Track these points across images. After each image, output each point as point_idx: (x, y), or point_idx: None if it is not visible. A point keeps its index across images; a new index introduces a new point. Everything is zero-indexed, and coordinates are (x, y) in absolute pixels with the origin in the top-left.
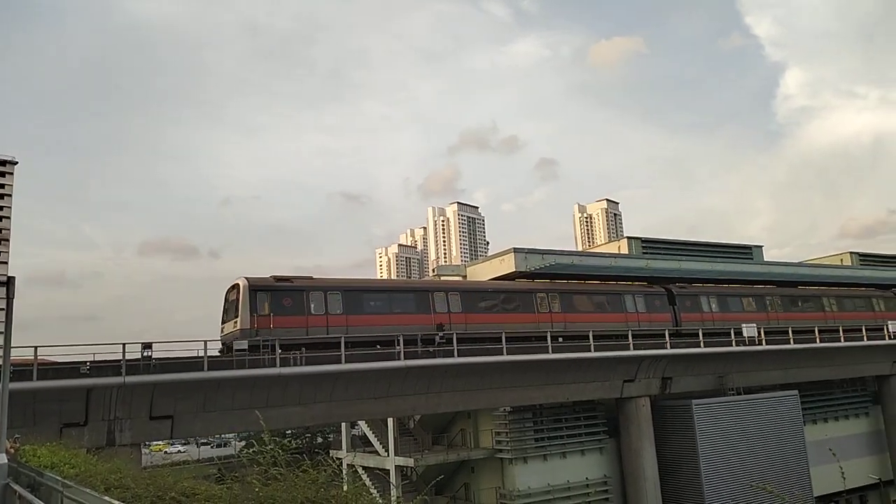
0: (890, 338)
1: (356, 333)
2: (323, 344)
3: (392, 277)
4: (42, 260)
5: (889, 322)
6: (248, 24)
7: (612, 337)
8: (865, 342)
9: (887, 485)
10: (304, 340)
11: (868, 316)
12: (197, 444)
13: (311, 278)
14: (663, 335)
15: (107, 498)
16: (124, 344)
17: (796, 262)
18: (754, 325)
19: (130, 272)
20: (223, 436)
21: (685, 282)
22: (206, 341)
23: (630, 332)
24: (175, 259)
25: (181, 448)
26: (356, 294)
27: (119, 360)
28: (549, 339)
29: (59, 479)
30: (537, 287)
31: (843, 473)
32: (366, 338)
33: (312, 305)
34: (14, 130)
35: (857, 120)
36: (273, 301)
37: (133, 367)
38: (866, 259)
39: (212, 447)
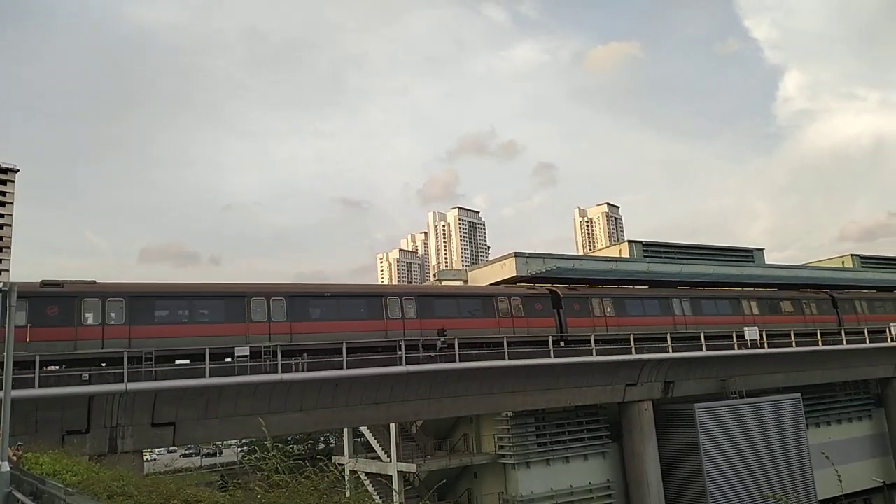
0: (892, 340)
1: (142, 347)
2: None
3: (392, 283)
4: (44, 268)
5: (891, 325)
6: (249, 29)
7: (615, 341)
8: (868, 345)
9: (891, 488)
10: (67, 357)
11: (798, 320)
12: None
13: (92, 283)
14: (665, 339)
15: None
16: (126, 351)
17: (798, 264)
18: (755, 328)
19: (132, 279)
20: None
21: (687, 285)
22: (207, 348)
23: (632, 336)
24: (177, 265)
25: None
26: (144, 301)
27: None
28: (550, 343)
29: (62, 486)
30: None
31: (839, 478)
32: (160, 352)
33: (86, 315)
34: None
35: (858, 122)
36: (33, 310)
37: (135, 374)
38: (868, 262)
39: (201, 457)
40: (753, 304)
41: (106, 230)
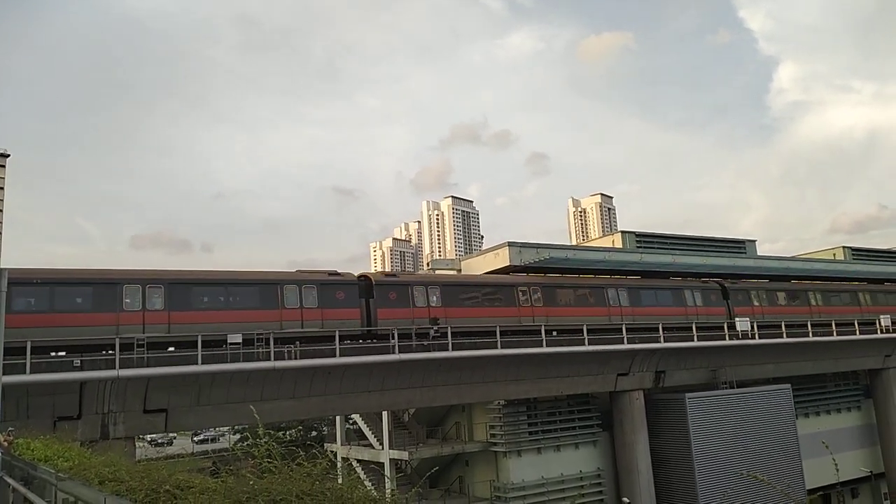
0: (882, 332)
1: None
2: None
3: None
4: (36, 254)
5: (881, 316)
6: (241, 16)
7: (605, 331)
8: (857, 336)
9: (878, 477)
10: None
11: (718, 311)
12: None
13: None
14: (657, 329)
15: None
16: (117, 338)
17: (789, 256)
18: (747, 319)
19: (124, 266)
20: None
21: (680, 276)
22: (199, 335)
23: (624, 325)
24: (168, 253)
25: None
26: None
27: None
28: (542, 332)
29: (53, 472)
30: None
31: (836, 466)
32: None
33: None
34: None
35: (852, 115)
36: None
37: (127, 360)
38: (859, 254)
39: (193, 443)
40: (696, 293)
41: (97, 217)
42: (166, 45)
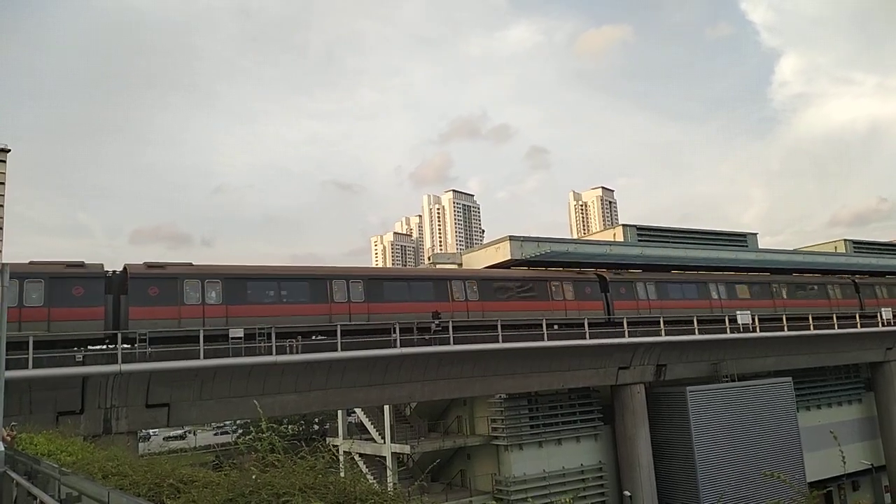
0: (883, 325)
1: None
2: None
3: (387, 265)
4: (36, 249)
5: (883, 309)
6: (240, 8)
7: (608, 324)
8: (858, 329)
9: (879, 470)
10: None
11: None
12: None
13: None
14: (658, 323)
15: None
16: (118, 332)
17: (791, 249)
18: (748, 312)
19: (124, 260)
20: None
21: (680, 269)
22: (202, 329)
23: (626, 319)
24: (169, 247)
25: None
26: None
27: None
28: (544, 326)
29: (57, 466)
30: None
31: (843, 458)
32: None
33: None
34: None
35: (853, 107)
36: None
37: (129, 355)
38: (860, 246)
39: (214, 433)
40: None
41: (97, 211)
42: (165, 38)
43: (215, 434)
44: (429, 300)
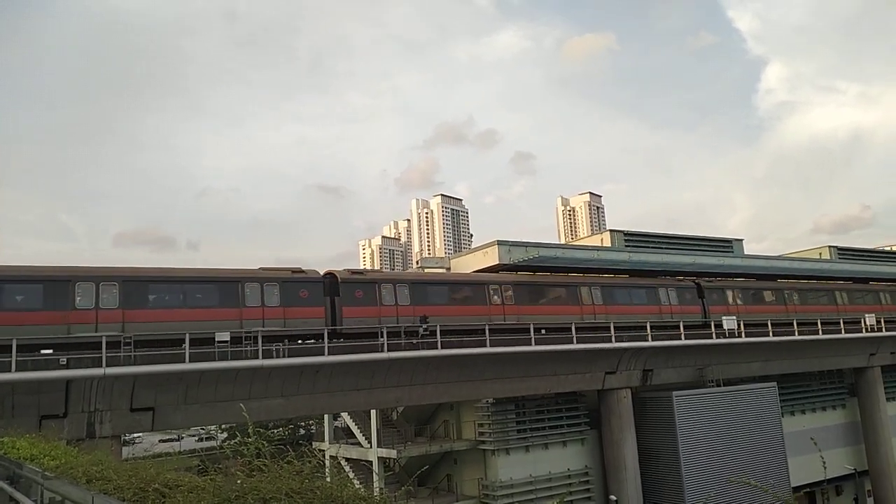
0: (867, 331)
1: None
2: (305, 336)
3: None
4: (21, 251)
5: (866, 315)
6: (228, 11)
7: (596, 329)
8: (843, 335)
9: (862, 475)
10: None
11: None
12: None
13: None
14: (644, 328)
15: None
16: (104, 335)
17: (776, 255)
18: (733, 317)
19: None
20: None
21: (667, 274)
22: (187, 333)
23: (612, 324)
24: (153, 250)
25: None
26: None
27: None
28: (531, 331)
29: (40, 471)
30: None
31: (824, 463)
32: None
33: None
34: None
35: (836, 115)
36: None
37: (113, 358)
38: (845, 253)
39: (198, 440)
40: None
41: (80, 213)
42: (152, 40)
43: (198, 440)
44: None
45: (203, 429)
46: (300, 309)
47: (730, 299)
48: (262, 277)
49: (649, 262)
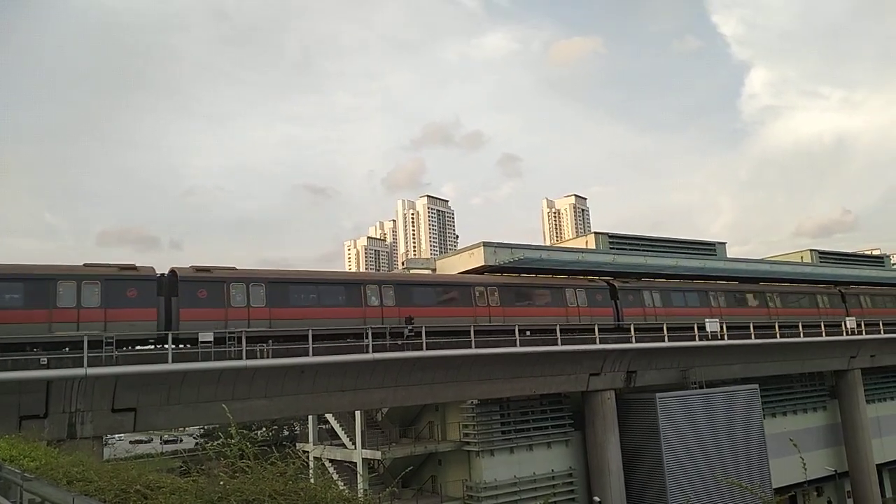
0: (848, 334)
1: None
2: (290, 337)
3: (361, 270)
4: (2, 248)
5: (846, 318)
6: (216, 9)
7: (580, 331)
8: (823, 338)
9: (842, 476)
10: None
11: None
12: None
13: None
14: (629, 330)
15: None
16: (86, 335)
17: (758, 258)
18: (716, 319)
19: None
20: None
21: (651, 277)
22: (169, 333)
23: (596, 326)
24: (136, 250)
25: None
26: None
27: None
28: (516, 332)
29: (19, 472)
30: None
31: (804, 465)
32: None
33: None
34: None
35: (820, 120)
36: None
37: (95, 358)
38: (826, 257)
39: (161, 443)
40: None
41: (64, 211)
42: (140, 38)
43: (163, 444)
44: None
45: (171, 434)
46: (126, 311)
47: (647, 301)
48: (81, 275)
49: (633, 264)
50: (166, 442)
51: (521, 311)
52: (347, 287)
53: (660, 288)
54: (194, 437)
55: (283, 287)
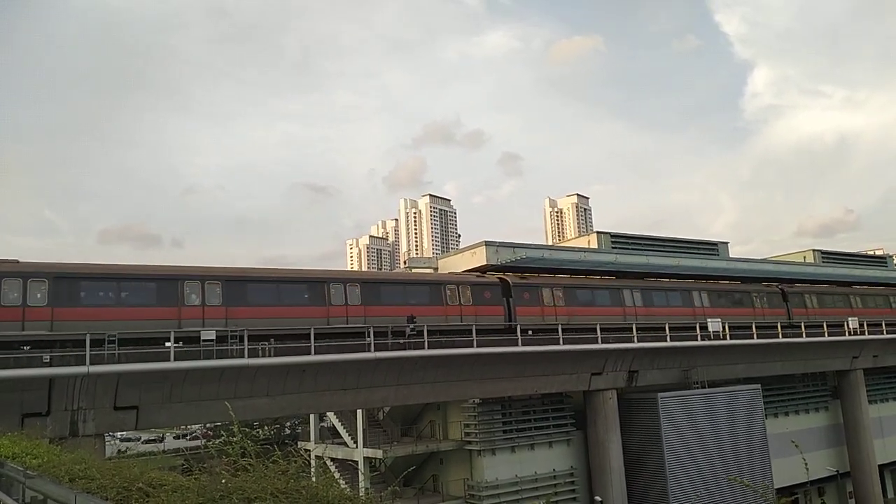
0: (850, 334)
1: None
2: (292, 335)
3: (363, 269)
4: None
5: (849, 318)
6: (215, 7)
7: (581, 330)
8: (826, 338)
9: (844, 477)
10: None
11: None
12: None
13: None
14: (630, 329)
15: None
16: (87, 333)
17: (760, 258)
18: (718, 319)
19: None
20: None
21: (653, 277)
22: (172, 331)
23: (598, 325)
24: (137, 247)
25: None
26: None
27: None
28: (518, 331)
29: (22, 469)
30: None
31: (806, 465)
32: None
33: None
34: None
35: (822, 119)
36: None
37: (97, 356)
38: (829, 257)
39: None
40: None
41: (65, 209)
42: (140, 36)
43: (143, 442)
44: None
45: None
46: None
47: (546, 300)
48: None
49: (635, 263)
50: (146, 442)
51: (384, 310)
52: (310, 285)
53: (563, 285)
54: (187, 439)
55: (241, 286)
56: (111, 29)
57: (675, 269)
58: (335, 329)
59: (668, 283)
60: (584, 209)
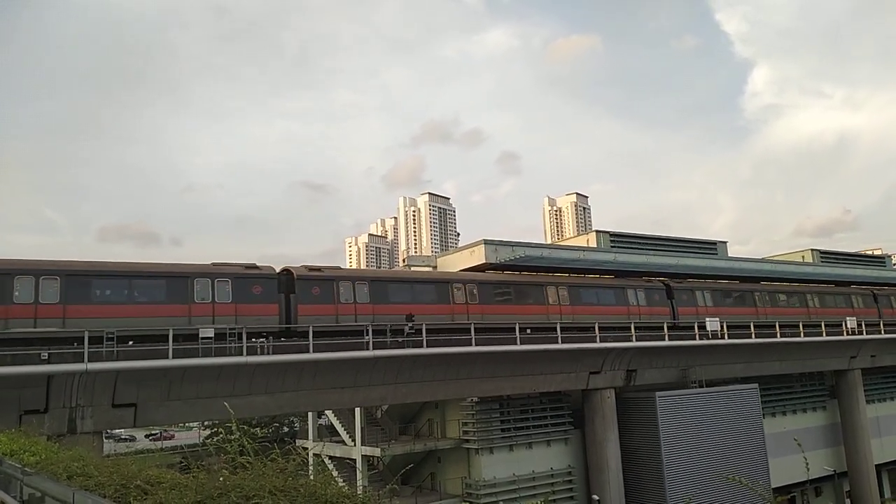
0: (848, 334)
1: None
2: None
3: (363, 267)
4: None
5: (847, 318)
6: (215, 5)
7: (580, 329)
8: (824, 338)
9: (841, 476)
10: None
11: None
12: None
13: None
14: (629, 328)
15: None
16: (86, 331)
17: (759, 258)
18: (717, 319)
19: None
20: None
21: (652, 276)
22: (171, 329)
23: (597, 324)
24: (136, 246)
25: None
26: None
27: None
28: (517, 330)
29: (19, 466)
30: None
31: (807, 464)
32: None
33: None
34: None
35: (822, 119)
36: None
37: (95, 353)
38: (827, 256)
39: (162, 439)
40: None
41: (64, 207)
42: (139, 34)
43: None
44: None
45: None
46: None
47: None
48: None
49: (634, 262)
50: (120, 440)
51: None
52: (169, 281)
53: (482, 281)
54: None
55: (85, 280)
56: (110, 27)
57: (675, 268)
58: (335, 328)
59: (605, 282)
60: (584, 208)
